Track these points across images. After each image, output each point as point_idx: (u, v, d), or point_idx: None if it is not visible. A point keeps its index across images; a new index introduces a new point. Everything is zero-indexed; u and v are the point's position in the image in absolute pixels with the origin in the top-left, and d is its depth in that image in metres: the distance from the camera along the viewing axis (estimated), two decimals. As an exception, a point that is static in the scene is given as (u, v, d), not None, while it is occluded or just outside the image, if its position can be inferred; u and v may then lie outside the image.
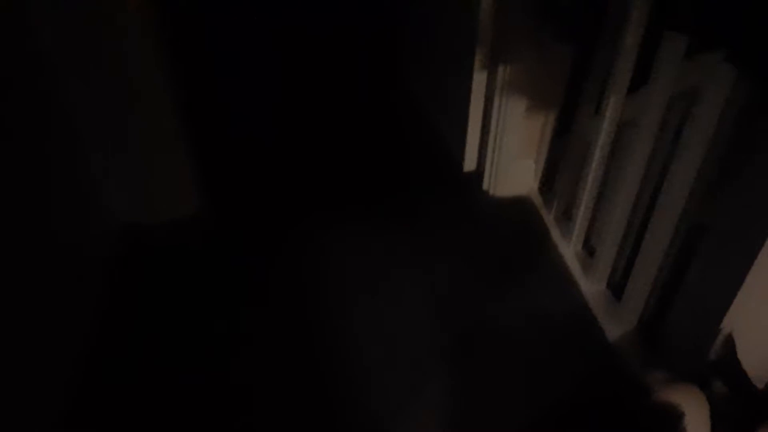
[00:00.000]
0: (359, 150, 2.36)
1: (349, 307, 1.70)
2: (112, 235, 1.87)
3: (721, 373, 1.11)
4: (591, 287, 1.70)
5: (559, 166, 1.92)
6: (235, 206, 2.09)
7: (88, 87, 1.67)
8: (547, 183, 2.02)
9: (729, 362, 1.13)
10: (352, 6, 2.87)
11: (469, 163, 2.14)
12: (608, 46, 1.49)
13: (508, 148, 1.97)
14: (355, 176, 2.23)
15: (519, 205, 2.04)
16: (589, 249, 1.78)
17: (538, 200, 2.03)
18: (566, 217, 1.89)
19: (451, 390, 1.47)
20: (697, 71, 1.24)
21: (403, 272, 1.81)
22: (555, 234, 1.90)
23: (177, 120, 1.83)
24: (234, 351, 1.58)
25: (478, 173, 2.11)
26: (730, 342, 1.15)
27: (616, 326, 1.58)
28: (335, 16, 3.03)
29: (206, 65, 2.70)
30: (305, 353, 1.58)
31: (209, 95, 2.54)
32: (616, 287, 1.65)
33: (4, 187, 1.29)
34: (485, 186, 2.08)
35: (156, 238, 1.90)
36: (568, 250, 1.82)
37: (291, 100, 2.65)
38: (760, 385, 1.13)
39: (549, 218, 1.95)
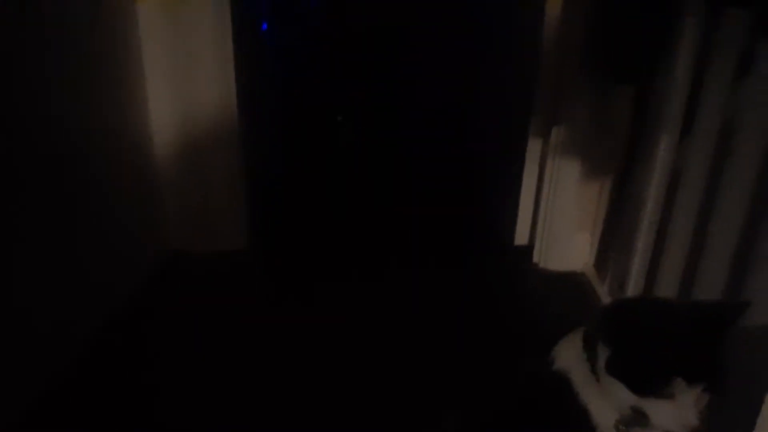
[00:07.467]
0: (407, 216, 2.34)
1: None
2: (161, 257, 1.95)
3: None
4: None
5: (614, 238, 1.81)
6: (284, 247, 2.14)
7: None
8: (602, 257, 1.90)
9: None
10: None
11: (521, 237, 2.08)
12: (662, 87, 1.45)
13: (560, 219, 1.89)
14: (403, 240, 2.21)
15: (571, 280, 1.92)
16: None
17: (592, 275, 1.89)
18: (621, 291, 1.74)
19: None
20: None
21: (436, 335, 1.67)
22: (607, 309, 1.74)
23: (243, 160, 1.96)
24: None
25: (530, 247, 2.03)
26: None
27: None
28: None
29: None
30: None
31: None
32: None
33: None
34: (536, 259, 1.99)
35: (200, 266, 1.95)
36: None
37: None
38: None
39: (603, 292, 1.81)
